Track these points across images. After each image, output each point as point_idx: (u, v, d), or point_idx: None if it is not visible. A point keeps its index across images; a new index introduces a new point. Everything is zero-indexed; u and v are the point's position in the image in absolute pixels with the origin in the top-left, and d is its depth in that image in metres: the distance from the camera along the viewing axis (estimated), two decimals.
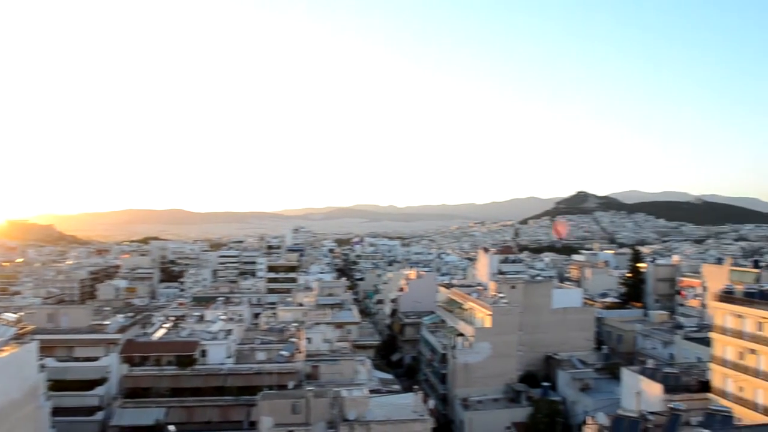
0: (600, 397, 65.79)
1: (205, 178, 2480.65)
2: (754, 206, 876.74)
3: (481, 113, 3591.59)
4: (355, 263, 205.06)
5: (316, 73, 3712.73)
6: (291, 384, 58.88)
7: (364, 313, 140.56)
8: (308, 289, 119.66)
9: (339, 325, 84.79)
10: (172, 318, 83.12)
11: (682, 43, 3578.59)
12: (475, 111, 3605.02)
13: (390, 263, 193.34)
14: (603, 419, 42.84)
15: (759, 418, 45.76)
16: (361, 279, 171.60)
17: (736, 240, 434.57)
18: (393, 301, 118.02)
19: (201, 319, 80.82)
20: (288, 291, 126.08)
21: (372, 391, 54.11)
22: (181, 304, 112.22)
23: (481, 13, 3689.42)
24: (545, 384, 74.86)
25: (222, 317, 78.90)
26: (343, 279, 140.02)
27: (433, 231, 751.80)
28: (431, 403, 55.31)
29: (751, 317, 50.43)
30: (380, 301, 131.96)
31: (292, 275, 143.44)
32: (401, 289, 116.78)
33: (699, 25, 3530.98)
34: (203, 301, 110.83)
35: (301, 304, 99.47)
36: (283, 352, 64.70)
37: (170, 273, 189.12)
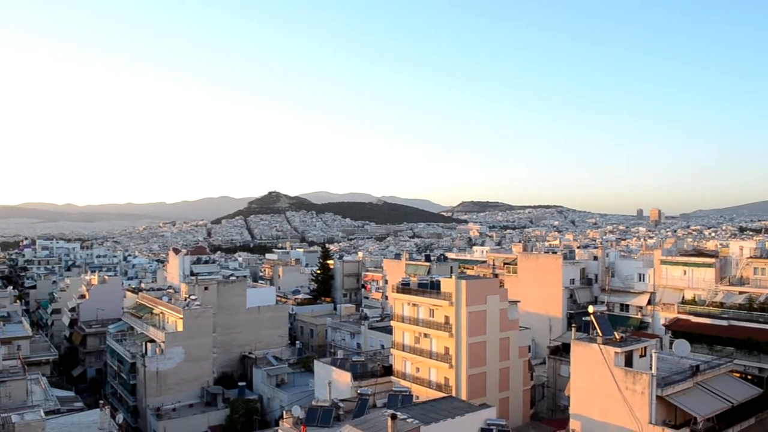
0: (295, 391, 67.85)
1: None
2: (426, 207, 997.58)
3: (170, 110, 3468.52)
4: (25, 269, 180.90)
5: None
6: None
7: (38, 325, 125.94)
8: None
9: (5, 341, 73.62)
10: None
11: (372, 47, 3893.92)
12: (164, 107, 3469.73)
13: (68, 268, 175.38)
14: (298, 412, 44.01)
15: (433, 394, 51.53)
16: (33, 287, 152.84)
17: (412, 237, 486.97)
18: (72, 309, 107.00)
19: None
20: None
21: (49, 413, 48.09)
22: None
23: (169, 7, 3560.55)
24: (241, 384, 74.71)
25: None
26: (10, 288, 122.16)
27: (118, 232, 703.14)
28: (120, 417, 51.10)
29: (424, 305, 56.56)
30: (57, 311, 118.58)
31: None
32: (82, 296, 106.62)
33: (401, 27, 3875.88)
34: None
35: None
36: None
37: None
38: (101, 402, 54.28)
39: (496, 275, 79.45)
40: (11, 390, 52.07)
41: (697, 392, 40.42)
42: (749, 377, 50.41)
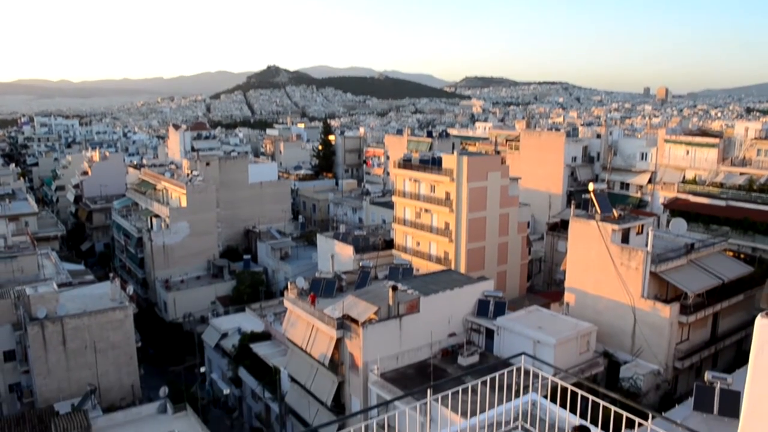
0: (299, 264, 69.78)
1: None
2: (429, 82, 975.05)
3: None
4: (25, 147, 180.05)
5: None
6: None
7: (43, 202, 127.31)
8: None
9: (13, 218, 74.94)
10: None
11: None
12: None
13: (68, 145, 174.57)
14: (302, 283, 45.41)
15: (433, 267, 52.99)
16: (35, 164, 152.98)
17: (414, 112, 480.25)
18: (76, 186, 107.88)
19: None
20: None
21: (62, 285, 49.76)
22: None
23: None
24: (246, 257, 76.72)
25: None
26: (13, 166, 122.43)
27: (116, 108, 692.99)
28: (130, 289, 52.96)
29: (425, 181, 56.86)
30: (61, 188, 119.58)
31: None
32: (84, 173, 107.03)
33: None
34: None
35: None
36: None
37: None
38: (111, 275, 55.96)
39: (498, 152, 79.27)
40: (23, 265, 53.46)
41: (690, 269, 41.47)
42: (742, 256, 51.56)
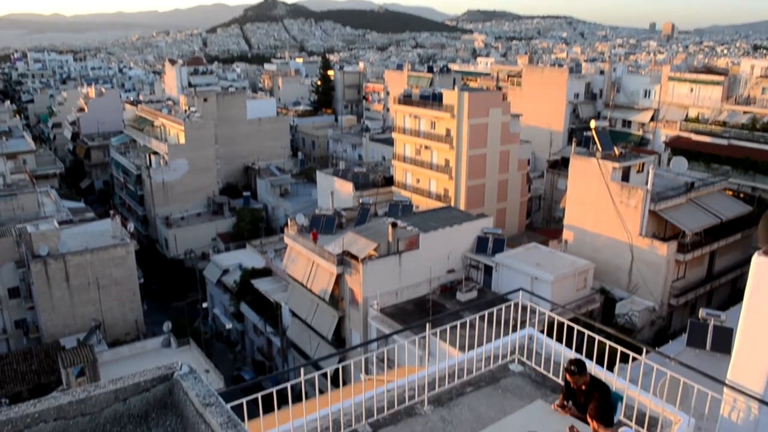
0: (298, 200, 69.91)
1: None
2: (429, 15, 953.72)
3: None
4: (20, 83, 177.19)
5: None
6: None
7: (40, 139, 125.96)
8: None
9: (11, 156, 74.49)
10: None
11: None
12: None
13: (63, 81, 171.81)
14: (302, 220, 45.59)
15: (433, 204, 53.02)
16: (31, 101, 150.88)
17: (414, 47, 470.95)
18: (73, 123, 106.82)
19: None
20: None
21: (63, 223, 49.97)
22: None
23: None
24: (246, 194, 76.79)
25: None
26: (8, 103, 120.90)
27: (110, 42, 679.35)
28: (131, 226, 53.27)
29: (425, 117, 56.32)
30: (57, 125, 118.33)
31: None
32: (81, 110, 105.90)
33: None
34: None
35: None
36: None
37: None
38: (111, 212, 56.12)
39: (499, 88, 78.36)
40: (23, 203, 53.42)
41: (689, 208, 41.53)
42: (742, 195, 51.51)
